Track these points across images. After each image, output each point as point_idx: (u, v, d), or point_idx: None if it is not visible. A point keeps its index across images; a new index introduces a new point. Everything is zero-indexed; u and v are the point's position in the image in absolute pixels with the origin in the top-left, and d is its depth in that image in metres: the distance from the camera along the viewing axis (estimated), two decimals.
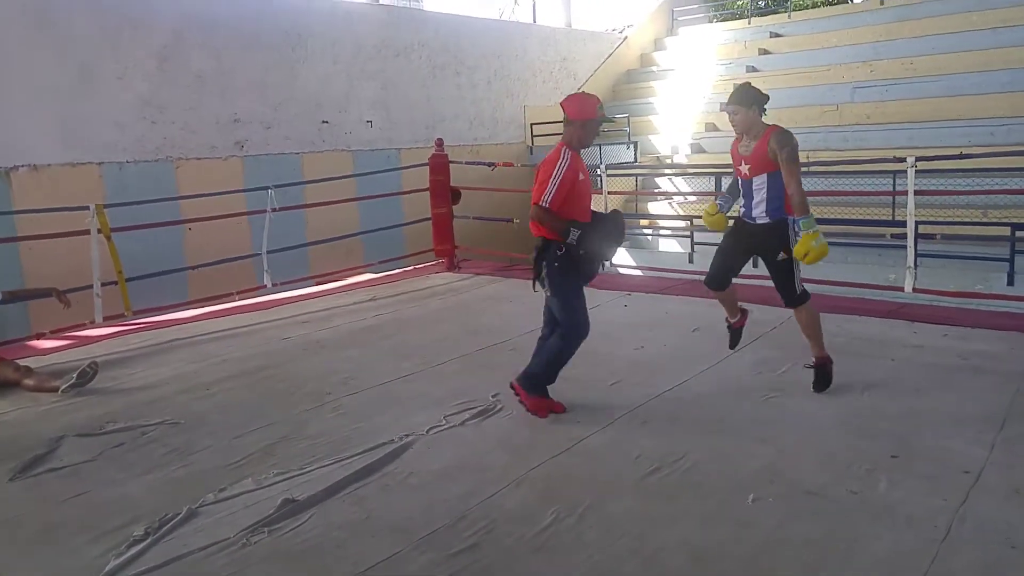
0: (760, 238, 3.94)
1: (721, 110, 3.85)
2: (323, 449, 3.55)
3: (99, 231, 6.00)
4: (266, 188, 6.90)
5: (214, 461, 3.50)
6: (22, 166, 8.76)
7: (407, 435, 3.64)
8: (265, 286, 6.93)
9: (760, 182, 3.84)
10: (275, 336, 5.68)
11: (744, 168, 3.89)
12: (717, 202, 4.34)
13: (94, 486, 3.28)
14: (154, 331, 5.97)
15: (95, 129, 9.37)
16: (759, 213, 3.89)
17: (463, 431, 3.71)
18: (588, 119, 3.69)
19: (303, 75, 11.63)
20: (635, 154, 13.71)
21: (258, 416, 4.03)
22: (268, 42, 11.19)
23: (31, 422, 4.10)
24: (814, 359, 3.99)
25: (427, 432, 3.68)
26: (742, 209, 4.03)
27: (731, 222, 4.22)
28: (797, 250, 3.70)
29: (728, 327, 4.40)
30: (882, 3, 18.18)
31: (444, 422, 3.79)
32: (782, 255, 3.84)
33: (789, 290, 3.93)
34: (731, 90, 4.04)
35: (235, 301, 6.77)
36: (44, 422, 4.07)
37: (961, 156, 6.64)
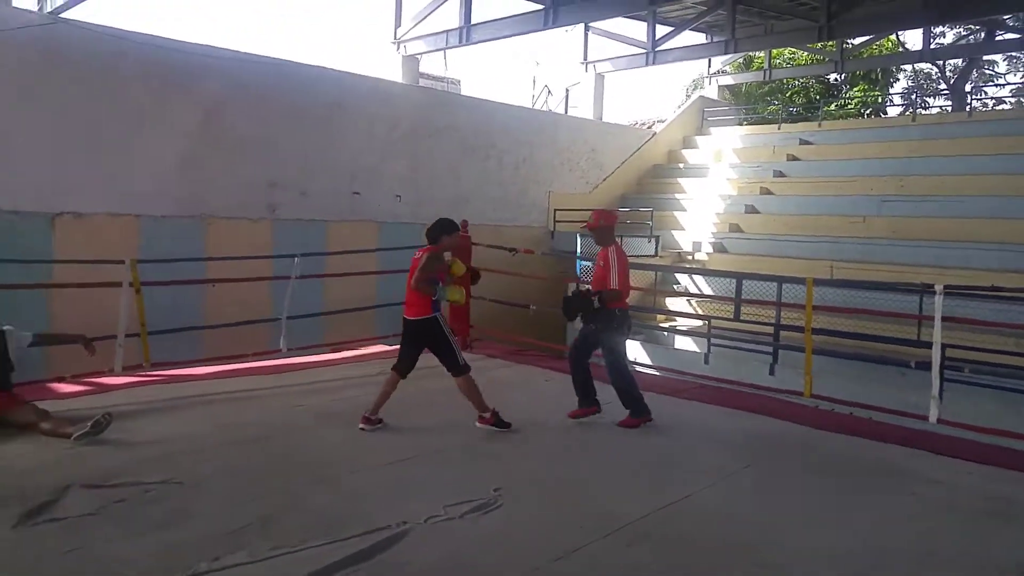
0: None
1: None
2: (320, 527, 3.53)
3: (130, 284, 6.17)
4: (293, 256, 7.08)
5: (212, 527, 3.49)
6: (67, 213, 9.16)
7: (404, 523, 3.60)
8: (280, 350, 7.02)
9: None
10: (287, 403, 5.71)
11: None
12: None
13: (91, 542, 3.29)
14: (170, 385, 6.04)
15: (137, 182, 9.82)
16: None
17: (461, 525, 3.66)
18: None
19: (340, 147, 12.13)
20: (656, 248, 13.87)
21: (261, 484, 4.03)
22: (310, 112, 11.74)
23: (40, 468, 4.14)
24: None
25: (424, 522, 3.64)
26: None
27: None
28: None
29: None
30: (914, 120, 18.43)
31: (443, 513, 3.75)
32: None
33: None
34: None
35: (250, 362, 6.84)
36: (53, 469, 4.11)
37: (992, 289, 6.60)
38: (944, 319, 5.62)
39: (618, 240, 5.59)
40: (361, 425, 5.02)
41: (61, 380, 6.00)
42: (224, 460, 4.41)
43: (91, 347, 5.27)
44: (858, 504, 4.08)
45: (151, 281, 6.72)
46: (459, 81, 22.56)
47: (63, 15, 9.26)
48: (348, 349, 7.81)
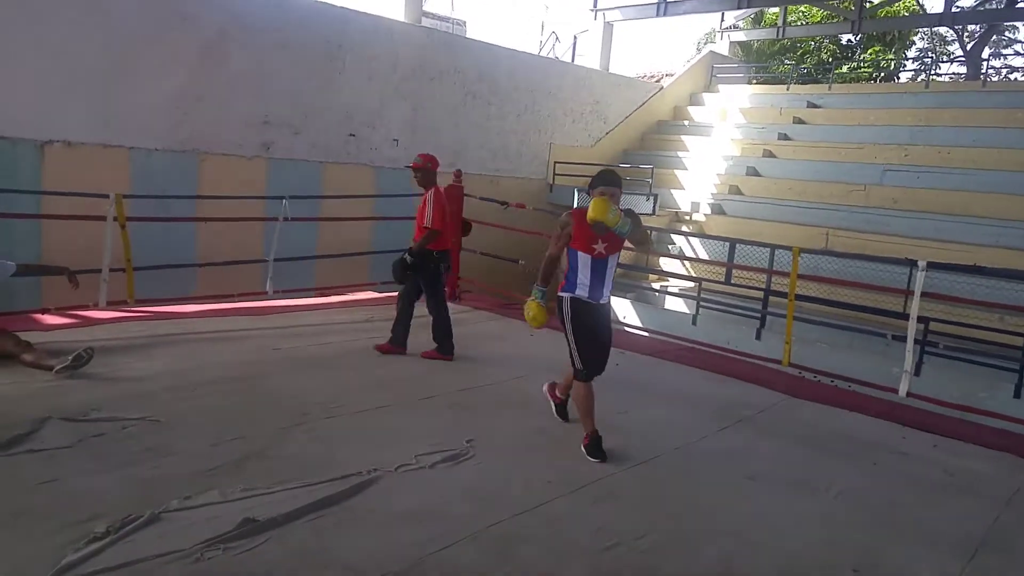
0: (604, 317, 4.10)
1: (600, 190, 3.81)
2: (291, 471, 3.58)
3: (115, 219, 6.13)
4: (281, 198, 7.01)
5: (185, 467, 3.53)
6: (57, 141, 8.98)
7: (375, 470, 3.65)
8: (267, 292, 7.02)
9: (613, 261, 4.02)
10: (267, 345, 5.74)
11: (599, 247, 3.95)
12: (538, 298, 4.14)
13: (67, 474, 3.34)
14: (153, 322, 6.06)
15: (130, 114, 9.58)
16: (607, 292, 4.05)
17: (431, 474, 3.72)
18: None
19: (337, 86, 11.80)
20: (654, 206, 13.73)
21: (236, 426, 4.07)
22: (308, 49, 11.39)
23: (21, 399, 4.18)
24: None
25: (395, 470, 3.69)
26: (585, 291, 3.99)
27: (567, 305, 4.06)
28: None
29: (558, 406, 4.55)
30: (927, 87, 17.98)
31: (414, 462, 3.80)
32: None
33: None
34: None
35: (235, 302, 6.85)
36: (33, 400, 4.15)
37: (975, 268, 6.62)
38: (927, 294, 5.60)
39: (439, 186, 5.83)
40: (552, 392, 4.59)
41: (46, 312, 6.02)
42: (202, 400, 4.45)
43: (74, 280, 5.24)
44: (823, 472, 4.14)
45: (137, 216, 6.67)
46: (464, 22, 22.03)
47: None
48: (337, 294, 7.80)
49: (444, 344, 5.76)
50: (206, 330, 5.97)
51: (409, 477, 3.66)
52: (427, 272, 5.66)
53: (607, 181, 3.90)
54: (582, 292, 4.02)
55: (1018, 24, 27.33)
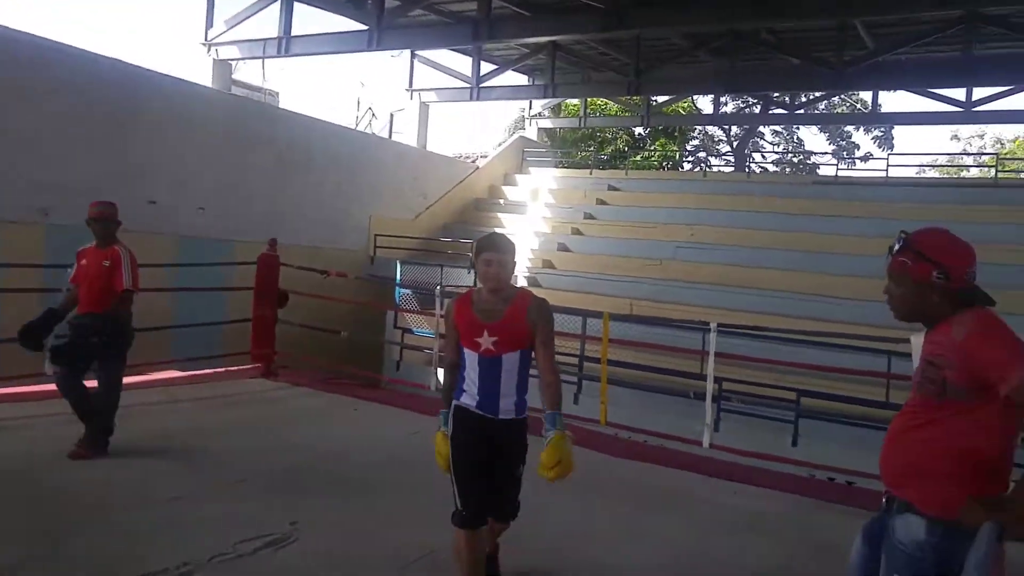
0: (502, 440, 2.98)
1: (485, 255, 2.95)
2: (84, 574, 3.11)
3: None
4: (66, 266, 6.24)
5: None
6: None
7: (186, 564, 3.28)
8: (45, 373, 6.13)
9: (513, 361, 2.97)
10: (48, 435, 5.01)
11: (486, 341, 2.93)
12: (441, 425, 3.08)
13: None
14: None
15: None
16: (507, 406, 2.95)
17: (251, 562, 3.41)
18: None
19: (135, 150, 10.99)
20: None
21: (13, 527, 3.49)
22: (100, 107, 10.56)
23: None
24: None
25: (209, 561, 3.34)
26: (473, 399, 2.96)
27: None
28: (547, 457, 2.79)
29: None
30: (704, 175, 20.92)
31: (231, 551, 3.47)
32: (521, 467, 3.05)
33: (515, 504, 3.11)
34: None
35: (11, 387, 5.92)
36: None
37: (755, 328, 7.54)
38: (720, 355, 6.25)
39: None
40: None
41: None
42: None
43: None
44: (641, 523, 4.37)
45: None
46: (278, 93, 21.68)
47: None
48: (137, 374, 7.00)
49: (101, 437, 4.67)
50: None
51: (226, 567, 3.33)
52: (119, 342, 4.78)
53: (486, 246, 2.95)
54: (468, 400, 2.97)
55: (764, 130, 32.83)
